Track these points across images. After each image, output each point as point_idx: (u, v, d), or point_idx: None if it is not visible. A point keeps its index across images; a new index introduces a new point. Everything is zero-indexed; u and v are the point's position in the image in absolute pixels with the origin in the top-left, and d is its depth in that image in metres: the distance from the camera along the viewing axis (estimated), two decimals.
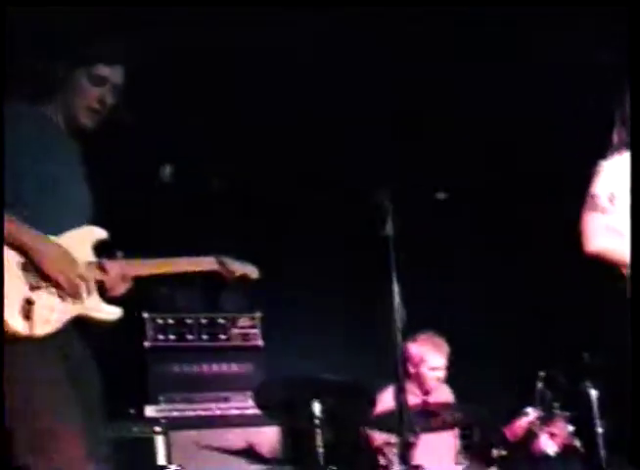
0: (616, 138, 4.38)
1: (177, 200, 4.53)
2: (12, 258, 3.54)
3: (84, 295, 3.72)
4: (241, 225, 4.36)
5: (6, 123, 3.67)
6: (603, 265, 4.29)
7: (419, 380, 5.85)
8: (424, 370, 5.81)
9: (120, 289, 3.77)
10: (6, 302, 3.47)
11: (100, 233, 3.82)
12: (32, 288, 3.54)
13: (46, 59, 3.81)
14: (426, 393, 5.89)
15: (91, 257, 3.78)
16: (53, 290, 3.65)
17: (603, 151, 4.39)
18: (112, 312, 3.77)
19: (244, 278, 4.16)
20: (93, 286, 3.75)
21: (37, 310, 3.51)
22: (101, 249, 3.85)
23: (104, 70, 3.79)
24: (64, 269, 3.67)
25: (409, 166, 6.15)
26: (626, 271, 4.19)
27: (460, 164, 6.67)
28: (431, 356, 5.81)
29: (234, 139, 6.30)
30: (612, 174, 4.32)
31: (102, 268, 3.75)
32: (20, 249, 3.57)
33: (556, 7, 6.05)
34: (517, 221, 7.03)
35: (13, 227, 3.55)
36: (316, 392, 5.15)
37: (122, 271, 3.82)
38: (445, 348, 5.88)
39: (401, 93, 6.64)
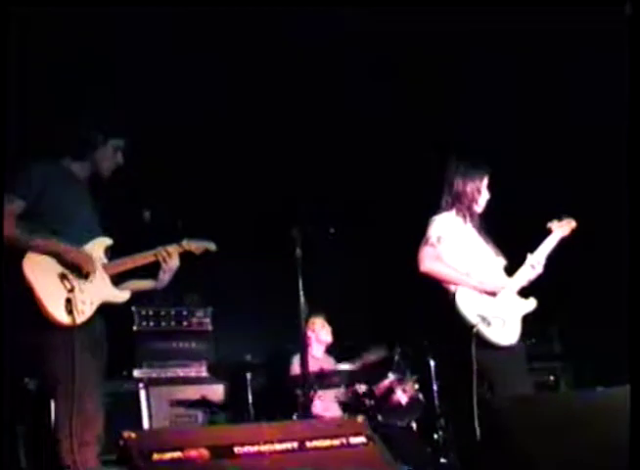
0: (443, 203, 5.52)
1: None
2: (53, 270, 4.33)
3: (105, 286, 4.49)
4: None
5: (38, 174, 4.49)
6: (432, 281, 5.35)
7: (319, 340, 7.40)
8: (319, 333, 7.43)
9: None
10: (53, 302, 4.24)
11: (107, 241, 4.67)
12: (69, 291, 4.30)
13: (88, 130, 4.66)
14: (326, 348, 7.46)
15: (103, 257, 4.59)
16: (84, 287, 4.36)
17: (435, 210, 5.50)
18: (124, 296, 4.62)
19: (207, 251, 4.89)
20: (108, 278, 4.56)
21: (75, 306, 4.26)
22: (109, 251, 4.65)
23: (121, 142, 4.74)
24: (89, 263, 4.44)
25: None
26: (450, 286, 5.29)
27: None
28: (321, 323, 7.46)
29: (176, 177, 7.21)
30: (439, 225, 5.43)
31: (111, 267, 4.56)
32: (58, 257, 4.34)
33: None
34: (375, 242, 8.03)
35: (51, 243, 4.36)
36: (248, 366, 6.55)
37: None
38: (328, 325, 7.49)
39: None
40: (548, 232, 5.69)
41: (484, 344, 5.22)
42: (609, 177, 6.88)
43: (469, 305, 5.33)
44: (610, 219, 6.74)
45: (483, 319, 5.24)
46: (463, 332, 5.22)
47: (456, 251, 5.46)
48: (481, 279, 5.42)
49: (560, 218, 5.71)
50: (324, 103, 7.26)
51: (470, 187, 5.51)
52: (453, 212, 5.51)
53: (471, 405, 4.93)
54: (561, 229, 5.67)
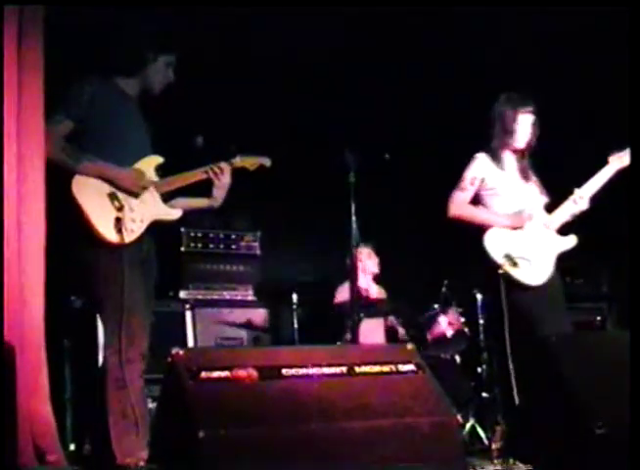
0: (491, 135, 5.37)
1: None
2: (102, 190, 4.34)
3: (155, 204, 4.48)
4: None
5: (88, 92, 4.43)
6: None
7: (364, 270, 7.31)
8: (365, 263, 7.39)
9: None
10: (102, 222, 4.26)
11: (158, 159, 4.63)
12: (118, 210, 4.32)
13: (139, 46, 4.60)
14: (373, 278, 7.39)
15: (154, 175, 4.56)
16: (134, 206, 4.37)
17: (483, 143, 5.40)
18: (176, 213, 4.62)
19: (261, 167, 4.82)
20: (159, 197, 4.55)
21: (124, 225, 4.29)
22: (160, 169, 4.61)
23: (172, 58, 4.65)
24: (138, 182, 4.43)
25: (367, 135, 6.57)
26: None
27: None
28: (367, 254, 7.40)
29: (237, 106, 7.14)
30: (479, 164, 5.36)
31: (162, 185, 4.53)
32: (107, 180, 4.34)
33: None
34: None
35: (99, 166, 4.35)
36: (294, 287, 6.61)
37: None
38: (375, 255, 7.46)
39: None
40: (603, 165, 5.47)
41: (517, 285, 5.17)
42: None
43: (496, 246, 5.26)
44: None
45: (509, 259, 5.15)
46: (493, 272, 5.17)
47: (495, 189, 5.40)
48: (506, 213, 5.35)
49: (620, 149, 5.39)
50: (381, 25, 7.11)
51: (520, 118, 5.37)
52: (498, 146, 5.40)
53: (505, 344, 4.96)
54: (619, 160, 5.39)
